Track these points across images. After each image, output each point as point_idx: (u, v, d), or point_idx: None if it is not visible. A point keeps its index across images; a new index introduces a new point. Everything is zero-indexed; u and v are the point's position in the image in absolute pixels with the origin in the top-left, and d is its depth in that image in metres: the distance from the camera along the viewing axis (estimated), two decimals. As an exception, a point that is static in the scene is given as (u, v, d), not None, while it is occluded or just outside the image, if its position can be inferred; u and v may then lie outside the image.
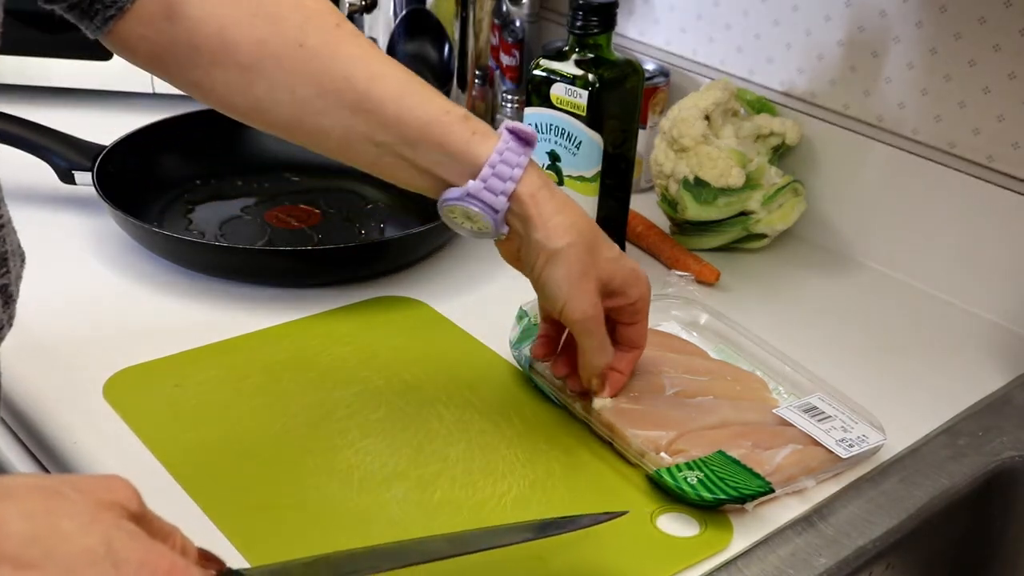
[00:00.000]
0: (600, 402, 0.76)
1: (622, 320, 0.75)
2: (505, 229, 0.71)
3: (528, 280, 0.74)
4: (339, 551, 0.58)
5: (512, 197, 0.69)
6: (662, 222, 1.06)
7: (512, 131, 0.70)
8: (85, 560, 0.43)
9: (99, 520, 0.44)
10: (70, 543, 0.43)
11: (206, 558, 0.51)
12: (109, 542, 0.44)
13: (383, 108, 0.69)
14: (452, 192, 0.70)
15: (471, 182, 0.69)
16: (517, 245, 0.72)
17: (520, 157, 0.69)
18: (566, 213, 0.70)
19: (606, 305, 0.73)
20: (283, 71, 0.69)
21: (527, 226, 0.70)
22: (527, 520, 0.69)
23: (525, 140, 0.70)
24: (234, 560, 0.64)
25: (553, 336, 0.77)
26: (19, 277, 0.67)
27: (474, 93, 1.20)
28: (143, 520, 0.47)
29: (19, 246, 0.68)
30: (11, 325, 0.66)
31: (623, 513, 0.65)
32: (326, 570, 0.56)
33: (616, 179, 0.95)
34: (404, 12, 1.16)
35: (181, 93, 1.23)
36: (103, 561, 0.43)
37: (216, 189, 1.09)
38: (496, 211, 0.69)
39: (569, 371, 0.76)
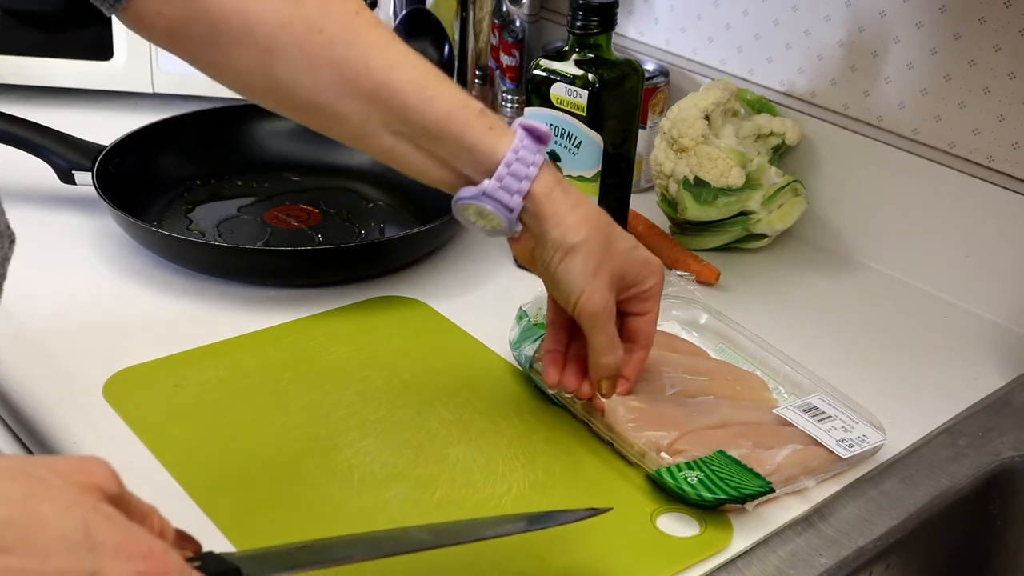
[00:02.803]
0: (609, 402, 0.76)
1: (632, 310, 0.75)
2: (519, 228, 0.71)
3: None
4: (321, 539, 0.58)
5: (527, 196, 0.69)
6: (662, 222, 1.06)
7: (527, 129, 0.70)
8: (62, 545, 0.43)
9: (77, 504, 0.44)
10: (47, 528, 0.43)
11: (184, 539, 0.51)
12: (86, 526, 0.44)
13: (403, 98, 0.69)
14: (467, 191, 0.70)
15: (487, 181, 0.69)
16: (532, 245, 0.72)
17: (535, 156, 0.69)
18: (581, 209, 0.71)
19: (620, 297, 0.73)
20: (304, 55, 0.69)
21: (542, 224, 0.70)
22: (512, 513, 0.69)
23: (539, 138, 0.70)
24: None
25: (560, 351, 0.77)
26: (7, 259, 0.67)
27: (474, 93, 1.20)
28: (121, 502, 0.47)
29: (8, 227, 0.67)
30: None
31: (607, 509, 0.65)
32: (306, 556, 0.56)
33: (616, 179, 0.95)
34: (404, 12, 1.16)
35: (182, 93, 1.24)
36: (80, 546, 0.43)
37: (216, 189, 1.09)
38: (511, 210, 0.69)
39: (579, 382, 0.76)
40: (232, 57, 0.69)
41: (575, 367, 0.76)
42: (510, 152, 0.69)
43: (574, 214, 0.70)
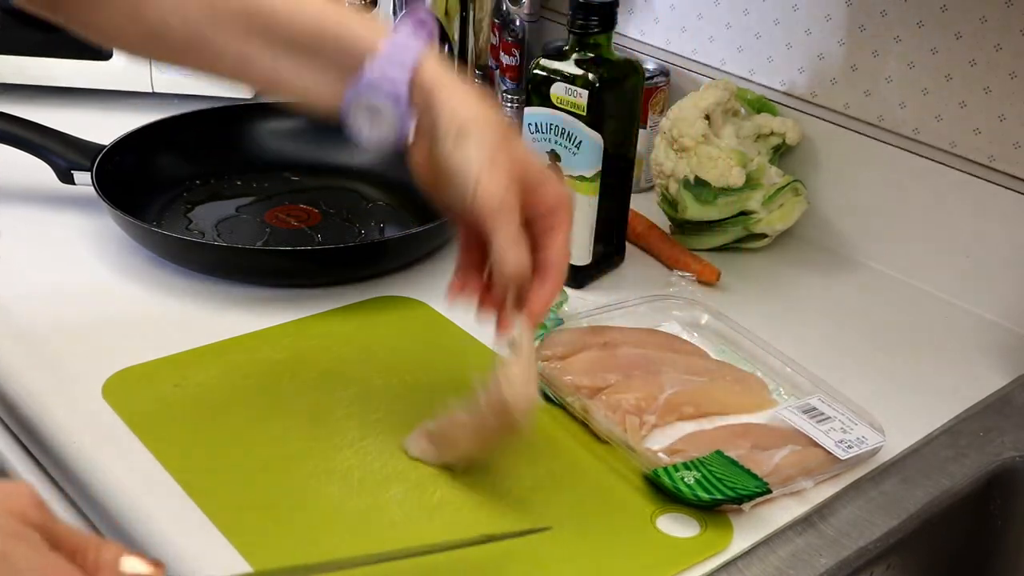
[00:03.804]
0: (514, 333, 0.68)
1: (538, 233, 0.67)
2: (411, 124, 0.67)
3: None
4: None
5: (413, 83, 0.66)
6: (662, 222, 1.06)
7: (410, 20, 0.67)
8: None
9: None
10: None
11: (153, 563, 0.50)
12: (4, 552, 0.43)
13: (273, 9, 0.68)
14: (351, 88, 0.67)
15: (367, 71, 0.66)
16: (428, 145, 0.67)
17: (416, 41, 0.66)
18: (472, 97, 0.66)
19: (522, 210, 0.66)
20: None
21: (432, 111, 0.66)
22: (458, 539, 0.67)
23: (423, 30, 0.67)
24: (233, 560, 0.64)
25: (471, 266, 0.70)
26: None
27: (474, 93, 1.19)
28: (46, 530, 0.47)
29: None
30: None
31: (544, 529, 0.65)
32: None
33: (616, 179, 0.95)
34: (404, 12, 1.16)
35: (180, 92, 1.24)
36: None
37: (215, 189, 1.09)
38: (396, 98, 0.66)
39: (484, 290, 0.70)
40: (106, 15, 0.69)
41: (484, 280, 0.70)
42: (388, 43, 0.66)
43: (466, 100, 0.66)
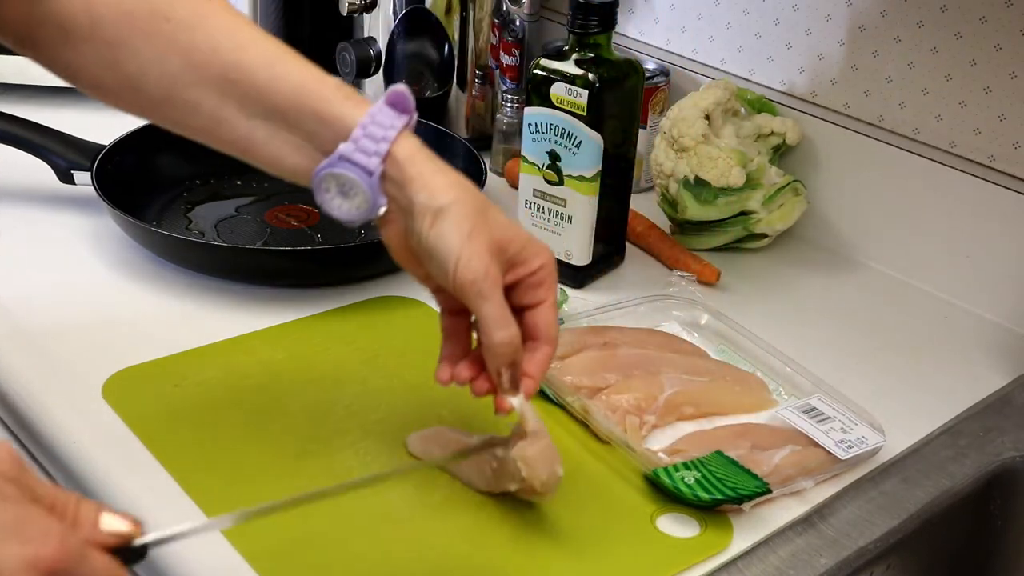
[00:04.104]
0: (514, 400, 0.67)
1: (525, 300, 0.67)
2: (383, 201, 0.66)
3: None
4: None
5: (388, 160, 0.65)
6: (662, 222, 1.06)
7: (389, 99, 0.66)
8: None
9: None
10: None
11: (132, 521, 0.49)
12: None
13: (253, 76, 0.66)
14: (323, 162, 0.66)
15: (342, 145, 0.65)
16: (402, 226, 0.66)
17: (394, 120, 0.65)
18: (449, 174, 0.66)
19: (507, 280, 0.66)
20: (151, 46, 0.67)
21: (407, 190, 0.65)
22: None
23: (401, 107, 0.66)
24: (233, 560, 0.64)
25: (458, 355, 0.70)
26: None
27: (474, 93, 1.20)
28: (25, 485, 0.46)
29: None
30: None
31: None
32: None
33: (616, 179, 0.95)
34: (404, 12, 1.16)
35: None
36: None
37: (215, 188, 1.09)
38: (370, 173, 0.65)
39: (474, 374, 0.69)
40: (82, 56, 0.68)
41: (472, 361, 0.69)
42: (366, 116, 0.65)
43: (441, 177, 0.65)
